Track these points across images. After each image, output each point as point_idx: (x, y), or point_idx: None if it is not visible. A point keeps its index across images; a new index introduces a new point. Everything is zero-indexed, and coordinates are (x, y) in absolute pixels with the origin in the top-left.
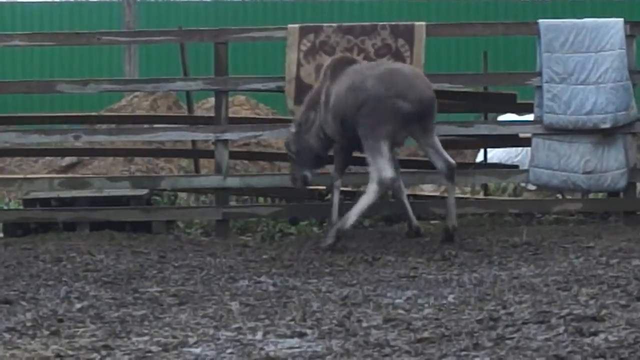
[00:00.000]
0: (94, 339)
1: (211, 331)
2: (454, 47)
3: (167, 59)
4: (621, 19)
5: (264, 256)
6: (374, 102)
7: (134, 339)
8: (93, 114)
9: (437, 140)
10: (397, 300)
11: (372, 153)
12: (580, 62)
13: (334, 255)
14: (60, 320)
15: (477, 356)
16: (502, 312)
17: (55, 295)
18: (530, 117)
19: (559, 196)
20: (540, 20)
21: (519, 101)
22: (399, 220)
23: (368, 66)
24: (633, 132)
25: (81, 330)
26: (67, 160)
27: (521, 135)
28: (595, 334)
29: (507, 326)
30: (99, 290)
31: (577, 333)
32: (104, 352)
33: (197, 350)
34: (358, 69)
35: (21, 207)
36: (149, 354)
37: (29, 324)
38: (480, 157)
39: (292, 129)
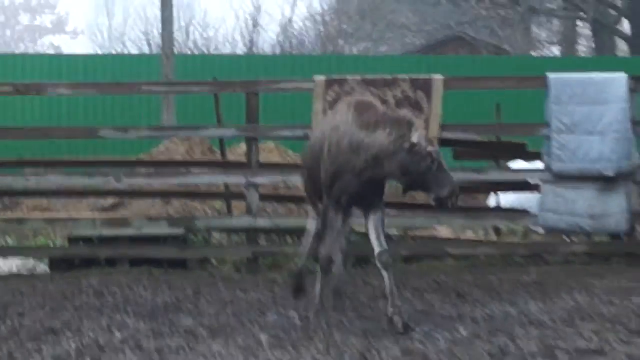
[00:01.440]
0: None
1: None
2: (469, 99)
3: (202, 109)
4: (625, 74)
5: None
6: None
7: None
8: (133, 158)
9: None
10: (414, 334)
11: None
12: (586, 114)
13: (356, 291)
14: (102, 350)
15: None
16: (512, 345)
17: (98, 326)
18: (539, 165)
19: (566, 239)
20: (549, 75)
21: (529, 150)
22: (416, 259)
23: None
24: (635, 179)
25: (121, 359)
26: (109, 201)
27: (530, 181)
28: None
29: (516, 359)
30: (138, 322)
31: None
32: None
33: None
34: None
35: (67, 244)
36: None
37: (73, 353)
38: (494, 202)
39: None
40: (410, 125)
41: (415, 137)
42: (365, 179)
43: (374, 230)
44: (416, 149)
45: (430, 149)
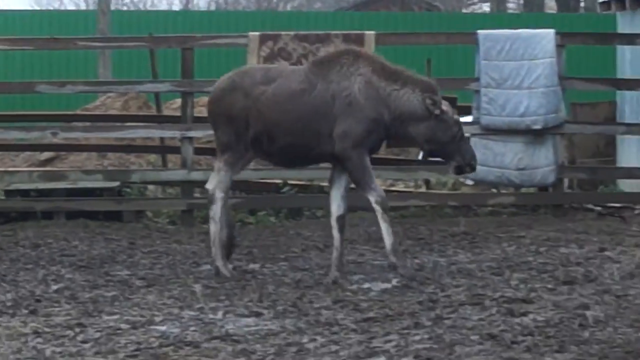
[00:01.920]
0: (68, 317)
1: (176, 311)
2: (400, 54)
3: (137, 64)
4: (552, 30)
5: None
6: None
7: (105, 317)
8: (69, 112)
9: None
10: (346, 284)
11: None
12: (514, 68)
13: (289, 243)
14: (38, 301)
15: (417, 334)
16: (441, 294)
17: (34, 278)
18: (469, 118)
19: (494, 190)
20: (479, 31)
21: (458, 104)
22: (348, 211)
23: None
24: (561, 132)
25: (57, 309)
26: (46, 155)
27: None
28: (524, 314)
29: (445, 307)
30: (74, 273)
31: (508, 314)
32: (77, 330)
33: (163, 328)
34: None
35: (3, 197)
36: (119, 331)
37: (9, 303)
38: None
39: None
40: (437, 90)
41: (444, 105)
42: (387, 135)
43: (343, 190)
44: (445, 116)
45: (457, 117)
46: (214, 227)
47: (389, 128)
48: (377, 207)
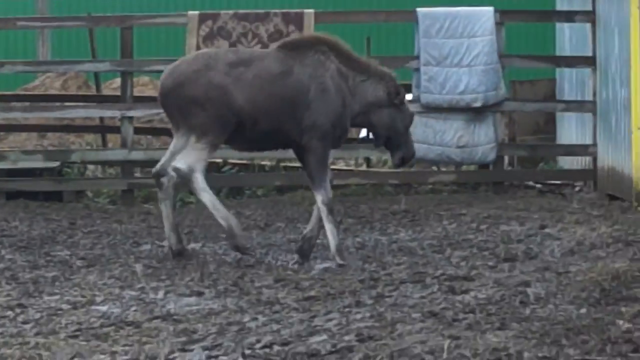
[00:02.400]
0: (9, 298)
1: (117, 291)
2: (340, 33)
3: (77, 43)
4: (491, 8)
5: None
6: None
7: (46, 298)
8: (9, 92)
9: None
10: (287, 263)
11: None
12: (454, 46)
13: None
14: None
15: (359, 312)
16: (382, 272)
17: None
18: (408, 96)
19: (435, 168)
20: (418, 9)
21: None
22: (289, 190)
23: None
24: (501, 110)
25: None
26: None
27: None
28: (466, 292)
29: (386, 285)
30: (14, 253)
31: (450, 291)
32: (18, 310)
33: (104, 308)
34: None
35: None
36: (60, 312)
37: None
38: (363, 133)
39: None
40: (396, 80)
41: (403, 94)
42: (353, 125)
43: None
44: (404, 107)
45: (411, 109)
46: (211, 201)
47: (355, 118)
48: (323, 208)
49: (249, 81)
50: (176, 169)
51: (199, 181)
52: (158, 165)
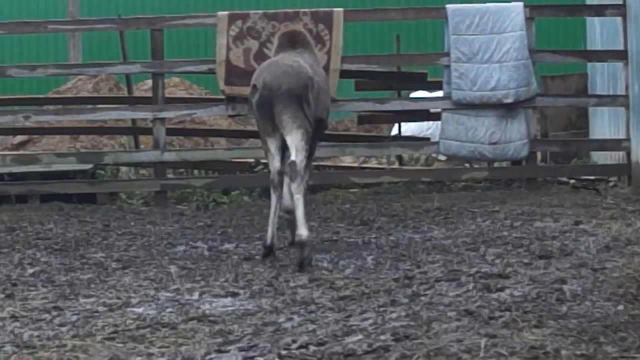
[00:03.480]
0: (45, 300)
1: (152, 292)
2: (369, 30)
3: (107, 46)
4: (521, 3)
5: (199, 223)
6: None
7: (82, 300)
8: (41, 96)
9: (291, 137)
10: (321, 262)
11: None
12: (484, 42)
13: (264, 222)
14: (14, 284)
15: (394, 311)
16: (417, 271)
17: (9, 262)
18: (439, 93)
19: (467, 165)
20: (447, 6)
21: (429, 79)
22: (321, 189)
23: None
24: (533, 106)
25: (33, 293)
26: (18, 138)
27: (432, 110)
28: (501, 289)
29: (421, 284)
30: (49, 256)
31: (485, 289)
32: (54, 313)
33: (140, 310)
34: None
35: None
36: (96, 314)
37: None
38: (395, 131)
39: None
40: None
41: None
42: None
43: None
44: None
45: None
46: (304, 205)
47: None
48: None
49: (320, 83)
50: (293, 164)
51: (304, 180)
52: (278, 165)
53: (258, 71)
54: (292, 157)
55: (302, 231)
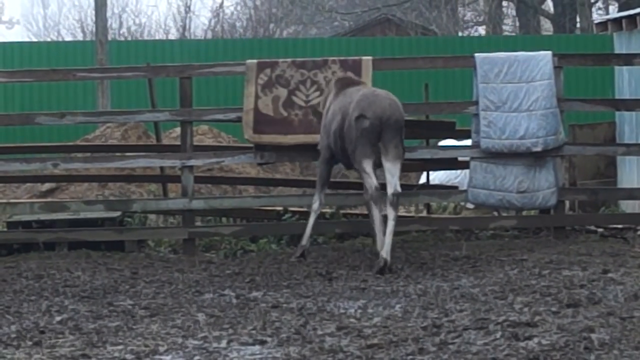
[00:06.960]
0: (73, 348)
1: (180, 340)
2: (397, 79)
3: (136, 93)
4: (549, 52)
5: (227, 271)
6: (350, 122)
7: (110, 348)
8: (69, 143)
9: (393, 164)
10: (349, 310)
11: (359, 171)
12: (513, 91)
13: (291, 270)
14: (42, 332)
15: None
16: (445, 319)
17: (37, 309)
18: (468, 142)
19: (495, 213)
20: (476, 54)
21: (457, 128)
22: (350, 237)
23: (355, 90)
24: (561, 154)
25: (61, 340)
26: (47, 186)
27: (460, 158)
28: (529, 338)
29: (449, 332)
30: (77, 304)
31: (513, 338)
32: None
33: (168, 358)
34: (349, 91)
35: (5, 229)
36: None
37: (13, 335)
38: (423, 179)
39: None
40: None
41: None
42: None
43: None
44: None
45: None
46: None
47: None
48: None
49: None
50: (398, 194)
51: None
52: (376, 182)
53: (362, 102)
54: (398, 188)
55: (388, 257)
